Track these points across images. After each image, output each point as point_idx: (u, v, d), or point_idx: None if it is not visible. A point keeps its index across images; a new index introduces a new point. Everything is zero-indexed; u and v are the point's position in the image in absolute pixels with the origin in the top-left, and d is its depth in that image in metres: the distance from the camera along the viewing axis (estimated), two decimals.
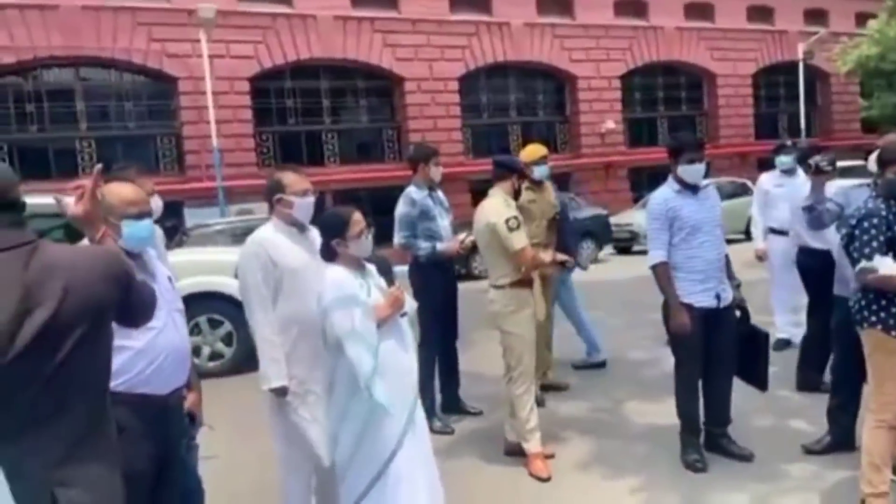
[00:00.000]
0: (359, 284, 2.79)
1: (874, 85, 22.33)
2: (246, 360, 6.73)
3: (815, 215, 3.72)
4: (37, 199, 4.95)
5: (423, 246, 4.73)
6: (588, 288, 10.06)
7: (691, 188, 3.71)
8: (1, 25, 14.93)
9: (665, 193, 3.75)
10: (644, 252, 14.51)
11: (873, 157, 3.45)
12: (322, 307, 2.73)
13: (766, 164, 6.68)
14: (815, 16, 25.35)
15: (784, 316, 6.08)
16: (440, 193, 4.93)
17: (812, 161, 3.66)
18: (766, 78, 25.23)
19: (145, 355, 2.25)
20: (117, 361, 2.14)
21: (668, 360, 5.91)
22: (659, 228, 3.68)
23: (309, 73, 18.67)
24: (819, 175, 3.62)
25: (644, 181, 22.28)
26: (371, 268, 3.00)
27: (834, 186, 3.79)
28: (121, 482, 1.76)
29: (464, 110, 20.27)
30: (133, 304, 1.84)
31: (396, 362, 2.79)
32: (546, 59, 21.20)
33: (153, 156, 16.92)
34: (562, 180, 19.19)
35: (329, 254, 2.87)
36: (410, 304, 3.01)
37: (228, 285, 6.84)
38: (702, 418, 3.89)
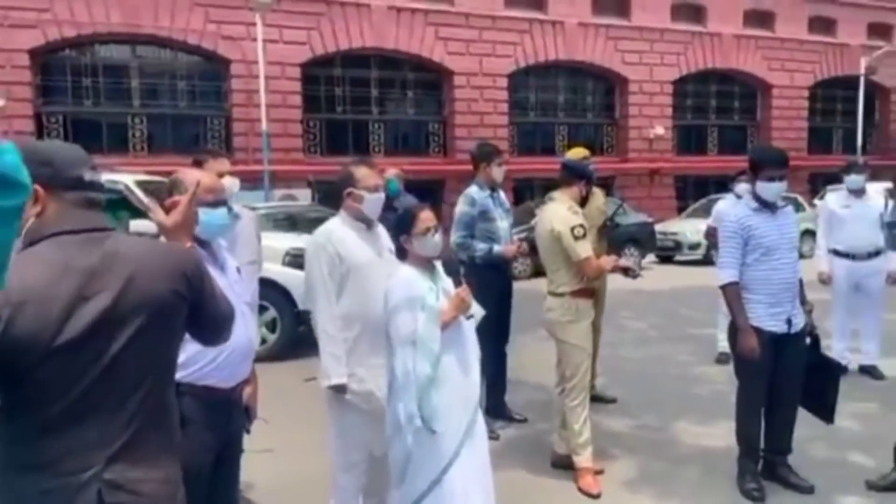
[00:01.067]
0: (428, 287, 2.72)
1: None
2: (289, 348, 6.76)
3: (894, 233, 3.56)
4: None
5: (480, 247, 4.66)
6: (630, 297, 9.92)
7: (769, 206, 3.57)
8: (61, 0, 15.23)
9: (741, 210, 3.61)
10: (687, 262, 14.30)
11: None
12: (388, 307, 2.67)
13: (817, 179, 6.28)
14: (879, 30, 24.53)
15: (843, 342, 5.87)
16: (502, 195, 4.85)
17: None
18: (823, 91, 24.53)
19: (213, 348, 2.23)
20: (185, 353, 2.12)
21: (719, 380, 5.82)
22: (733, 247, 3.55)
23: (359, 63, 18.71)
24: None
25: (690, 190, 21.90)
26: (439, 268, 2.93)
27: None
28: (179, 482, 1.68)
29: (511, 108, 20.13)
30: (206, 313, 1.75)
31: (458, 370, 2.72)
32: (598, 61, 20.92)
33: (202, 136, 17.14)
34: (606, 185, 18.95)
35: (401, 251, 2.81)
36: (478, 311, 2.93)
37: (275, 272, 6.88)
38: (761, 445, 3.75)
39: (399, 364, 2.65)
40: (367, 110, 19.04)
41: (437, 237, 2.84)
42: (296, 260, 7.16)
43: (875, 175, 5.79)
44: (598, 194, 5.25)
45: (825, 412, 3.71)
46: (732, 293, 3.56)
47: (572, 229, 3.75)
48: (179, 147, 15.74)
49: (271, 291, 6.87)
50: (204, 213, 2.35)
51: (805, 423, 3.83)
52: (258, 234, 4.13)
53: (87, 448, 1.47)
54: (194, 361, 2.20)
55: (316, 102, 18.24)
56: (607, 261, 4.00)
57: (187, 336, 1.99)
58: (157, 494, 1.58)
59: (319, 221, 11.25)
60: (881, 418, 4.60)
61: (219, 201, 2.42)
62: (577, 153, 5.13)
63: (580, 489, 3.76)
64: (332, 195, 3.29)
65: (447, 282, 2.87)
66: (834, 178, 17.92)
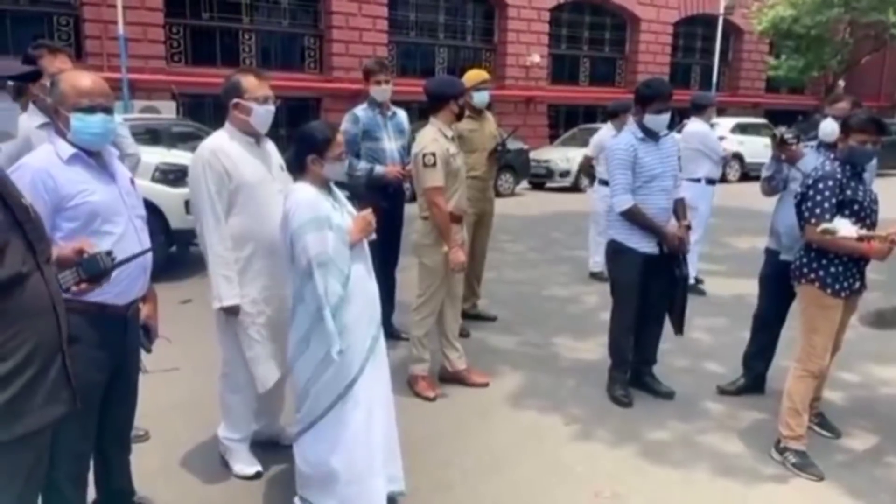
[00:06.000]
0: (331, 206, 2.64)
1: (784, 46, 23.30)
2: (160, 269, 6.37)
3: (773, 185, 3.89)
4: None
5: (361, 166, 4.58)
6: (508, 222, 10.24)
7: (653, 136, 3.74)
8: None
9: (629, 139, 3.75)
10: (558, 189, 14.82)
11: (826, 124, 3.58)
12: (293, 228, 2.56)
13: (674, 113, 6.62)
14: None
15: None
16: (401, 115, 4.75)
17: (777, 132, 3.76)
18: (686, 28, 25.68)
19: None
20: None
21: (589, 298, 6.20)
22: (624, 173, 3.70)
23: None
24: (783, 147, 3.72)
25: (562, 119, 22.53)
26: (334, 187, 2.85)
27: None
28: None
29: (391, 26, 19.50)
30: None
31: (364, 288, 2.70)
32: None
33: (47, 35, 15.26)
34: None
35: (299, 168, 2.68)
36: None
37: (144, 188, 6.36)
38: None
39: (309, 287, 2.57)
40: (237, 18, 17.72)
41: (345, 163, 2.79)
42: (166, 176, 6.70)
43: (723, 111, 6.27)
44: (490, 120, 5.26)
45: (676, 322, 4.01)
46: (636, 214, 3.71)
47: (423, 156, 3.75)
48: (20, 51, 13.95)
49: None
50: (76, 119, 2.18)
51: (665, 337, 4.15)
52: (130, 147, 3.82)
53: None
54: None
55: (179, 6, 16.70)
56: (457, 244, 3.84)
57: None
58: None
59: (185, 136, 10.55)
60: (729, 332, 5.11)
61: (95, 106, 2.21)
62: (477, 76, 5.05)
63: (416, 394, 4.00)
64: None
65: (346, 202, 2.80)
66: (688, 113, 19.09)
